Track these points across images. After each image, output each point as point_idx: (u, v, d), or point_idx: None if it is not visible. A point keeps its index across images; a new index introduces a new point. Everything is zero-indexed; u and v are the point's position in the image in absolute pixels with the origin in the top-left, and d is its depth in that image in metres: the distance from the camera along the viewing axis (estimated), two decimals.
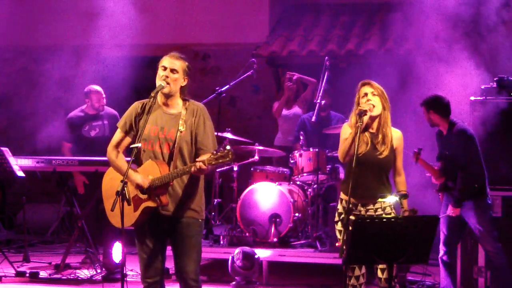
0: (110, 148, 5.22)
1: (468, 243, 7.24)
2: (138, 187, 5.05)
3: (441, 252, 6.93)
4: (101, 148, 8.33)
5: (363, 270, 5.50)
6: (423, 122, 7.12)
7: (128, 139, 5.20)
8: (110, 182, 5.22)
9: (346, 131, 5.48)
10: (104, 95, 8.72)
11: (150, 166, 5.09)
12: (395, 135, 5.53)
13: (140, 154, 5.18)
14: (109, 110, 8.78)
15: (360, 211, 5.48)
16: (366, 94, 5.42)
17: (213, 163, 4.90)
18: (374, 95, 5.42)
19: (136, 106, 5.22)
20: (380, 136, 5.45)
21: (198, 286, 5.18)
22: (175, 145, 5.09)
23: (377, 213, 5.45)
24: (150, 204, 5.07)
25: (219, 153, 4.89)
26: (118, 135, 5.23)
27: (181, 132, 5.09)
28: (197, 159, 4.98)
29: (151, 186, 5.04)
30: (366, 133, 5.49)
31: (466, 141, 6.71)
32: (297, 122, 9.44)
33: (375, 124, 5.47)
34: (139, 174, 5.08)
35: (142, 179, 5.05)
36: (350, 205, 5.43)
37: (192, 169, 4.94)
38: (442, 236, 6.91)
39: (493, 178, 7.03)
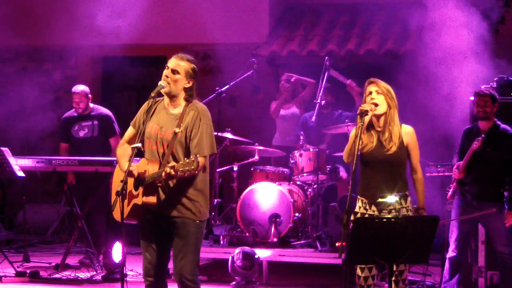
0: (120, 144, 5.31)
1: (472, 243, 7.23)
2: (131, 174, 5.04)
3: (451, 253, 6.85)
4: (89, 149, 8.40)
5: (373, 271, 5.47)
6: (422, 122, 7.11)
7: (134, 134, 5.28)
8: (118, 177, 5.20)
9: (353, 131, 5.49)
10: (86, 95, 8.65)
11: (141, 164, 5.13)
12: (405, 130, 5.50)
13: (144, 153, 5.23)
14: (101, 110, 8.75)
15: (374, 211, 5.47)
16: (370, 93, 5.45)
17: (180, 169, 4.87)
18: (378, 93, 5.43)
19: (146, 104, 5.26)
20: (386, 134, 5.45)
21: (195, 286, 5.17)
22: (169, 146, 5.10)
23: (391, 215, 5.42)
24: (137, 201, 5.08)
25: (186, 160, 4.88)
26: (129, 131, 5.32)
27: (175, 133, 5.08)
28: (168, 165, 4.95)
29: (140, 183, 5.06)
30: (373, 132, 5.50)
31: None
32: (296, 122, 9.45)
33: (381, 122, 5.47)
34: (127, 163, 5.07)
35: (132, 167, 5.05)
36: (364, 205, 5.47)
37: (163, 174, 4.93)
38: (454, 237, 6.83)
39: None
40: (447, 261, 6.89)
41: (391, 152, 5.44)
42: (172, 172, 4.86)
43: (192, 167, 4.84)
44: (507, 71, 7.91)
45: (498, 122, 6.81)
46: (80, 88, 8.68)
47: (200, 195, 5.18)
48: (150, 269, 5.21)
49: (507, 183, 6.64)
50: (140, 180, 5.07)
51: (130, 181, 5.11)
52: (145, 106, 5.25)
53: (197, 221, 5.17)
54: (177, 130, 5.08)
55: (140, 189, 5.07)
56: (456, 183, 6.88)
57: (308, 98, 9.69)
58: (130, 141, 5.26)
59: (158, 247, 5.19)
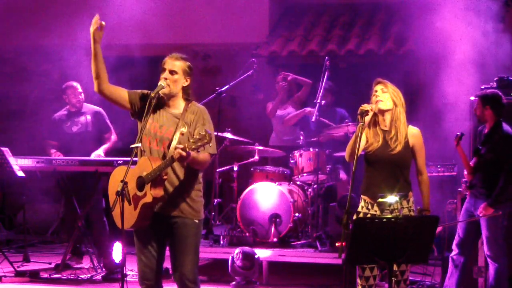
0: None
1: None
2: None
3: (453, 252, 6.85)
4: (82, 144, 8.38)
5: (375, 272, 5.47)
6: (423, 122, 7.10)
7: (124, 95, 5.34)
8: (117, 183, 5.12)
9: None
10: (80, 91, 8.69)
11: (143, 162, 5.08)
12: (411, 132, 5.50)
13: (142, 154, 5.19)
14: (91, 107, 8.77)
15: (376, 211, 5.47)
16: (376, 91, 5.48)
17: (193, 147, 4.87)
18: (384, 92, 5.46)
19: (146, 92, 5.26)
20: (392, 132, 5.46)
21: (196, 287, 5.18)
22: (171, 144, 5.09)
23: (392, 215, 5.42)
24: (147, 200, 5.04)
25: (196, 137, 4.89)
26: (121, 88, 5.37)
27: (182, 134, 5.07)
28: (176, 145, 4.95)
29: (145, 181, 5.03)
30: (379, 130, 5.50)
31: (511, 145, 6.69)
32: (293, 122, 9.43)
33: (387, 121, 5.48)
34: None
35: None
36: (366, 205, 5.48)
37: (174, 155, 4.90)
38: (457, 237, 6.83)
39: None
40: (450, 260, 6.88)
41: (396, 152, 5.43)
42: (183, 153, 4.86)
43: (205, 140, 4.85)
44: (507, 71, 7.91)
45: (504, 124, 6.75)
46: (75, 83, 8.73)
47: (199, 194, 5.23)
48: (147, 272, 5.19)
49: (499, 183, 6.64)
50: (145, 178, 5.03)
51: (132, 186, 5.08)
52: (146, 92, 5.24)
53: (197, 221, 5.20)
54: (183, 130, 5.07)
55: (147, 186, 5.02)
56: (465, 185, 6.86)
57: (304, 98, 9.69)
58: (114, 90, 5.40)
59: (154, 249, 5.18)
